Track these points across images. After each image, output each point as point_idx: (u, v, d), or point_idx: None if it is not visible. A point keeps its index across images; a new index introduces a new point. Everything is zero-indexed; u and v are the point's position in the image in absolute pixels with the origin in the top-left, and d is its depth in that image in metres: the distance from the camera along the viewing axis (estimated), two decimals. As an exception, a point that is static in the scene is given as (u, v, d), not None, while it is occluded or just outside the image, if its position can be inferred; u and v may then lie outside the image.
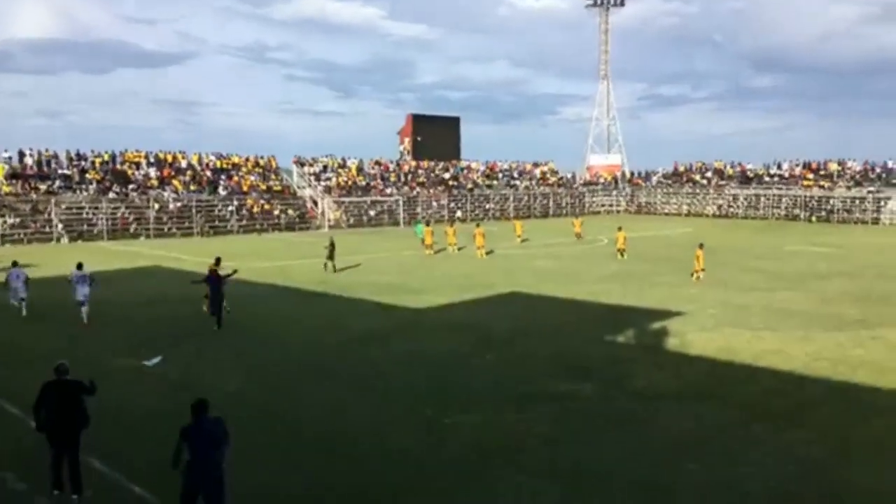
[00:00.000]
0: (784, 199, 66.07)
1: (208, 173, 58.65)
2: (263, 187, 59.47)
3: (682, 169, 78.13)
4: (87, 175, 53.13)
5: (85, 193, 51.03)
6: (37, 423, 9.29)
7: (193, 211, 52.92)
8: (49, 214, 47.68)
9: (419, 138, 77.21)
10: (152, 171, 56.23)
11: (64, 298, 21.18)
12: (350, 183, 64.72)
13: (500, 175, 75.49)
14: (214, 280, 19.96)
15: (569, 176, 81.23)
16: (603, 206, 77.33)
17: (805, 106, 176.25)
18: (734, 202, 69.48)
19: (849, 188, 63.82)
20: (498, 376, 14.91)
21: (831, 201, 62.99)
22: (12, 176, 50.21)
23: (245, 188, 58.22)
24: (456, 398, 13.41)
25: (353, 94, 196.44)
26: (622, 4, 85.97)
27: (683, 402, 13.08)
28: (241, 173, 60.22)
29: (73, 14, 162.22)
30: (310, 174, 63.46)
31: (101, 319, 20.54)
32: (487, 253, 36.53)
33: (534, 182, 76.27)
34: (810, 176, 67.55)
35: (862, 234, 49.71)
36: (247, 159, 62.39)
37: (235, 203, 55.28)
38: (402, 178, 68.70)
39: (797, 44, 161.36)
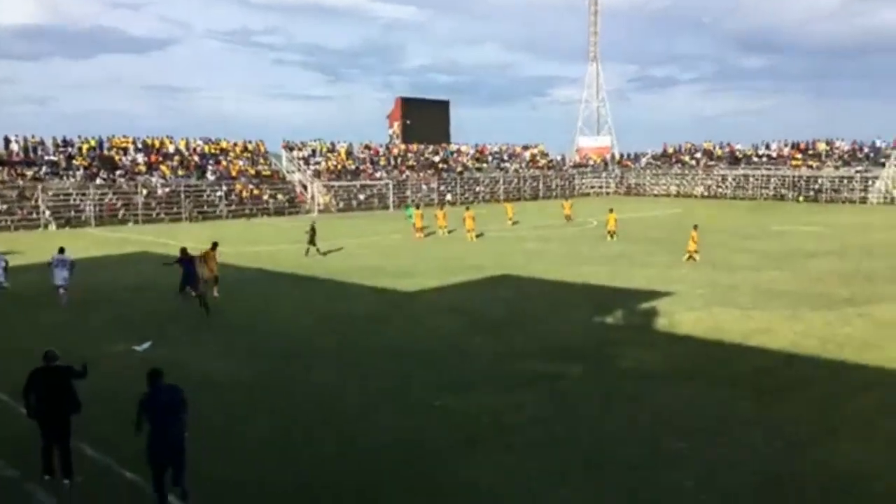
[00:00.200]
0: (772, 180, 66.32)
1: (196, 158, 58.25)
2: (252, 172, 59.13)
3: (671, 150, 78.22)
4: (74, 161, 52.63)
5: (72, 180, 50.59)
6: (27, 409, 9.29)
7: (182, 196, 52.57)
8: (36, 201, 47.26)
9: (409, 122, 76.91)
10: (140, 157, 55.77)
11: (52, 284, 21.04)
12: (339, 167, 64.46)
13: (490, 158, 75.35)
14: (188, 262, 20.67)
15: (558, 158, 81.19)
16: (592, 188, 77.43)
17: (793, 86, 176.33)
18: (723, 183, 69.70)
19: (837, 168, 64.08)
20: (488, 358, 14.96)
21: (819, 181, 63.30)
22: (-1, 163, 49.72)
23: (234, 173, 57.86)
24: (446, 380, 13.46)
25: (342, 77, 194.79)
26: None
27: (672, 382, 13.17)
28: (229, 158, 59.82)
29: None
30: (299, 158, 63.09)
31: (90, 305, 20.47)
32: (478, 236, 36.55)
33: (523, 165, 76.17)
34: (798, 156, 67.82)
35: (850, 214, 50.03)
36: (235, 144, 61.95)
37: (224, 188, 54.97)
38: (392, 162, 68.49)
39: (785, 24, 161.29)
